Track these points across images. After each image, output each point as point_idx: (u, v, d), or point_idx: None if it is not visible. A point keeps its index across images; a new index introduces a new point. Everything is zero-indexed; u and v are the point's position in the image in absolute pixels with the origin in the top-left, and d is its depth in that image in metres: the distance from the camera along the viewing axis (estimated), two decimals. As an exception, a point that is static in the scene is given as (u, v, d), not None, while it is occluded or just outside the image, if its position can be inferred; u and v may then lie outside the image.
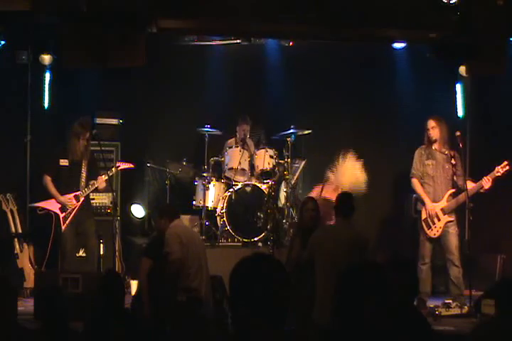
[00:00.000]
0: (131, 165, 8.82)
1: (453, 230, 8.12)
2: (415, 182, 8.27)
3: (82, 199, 8.28)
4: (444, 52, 7.29)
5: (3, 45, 8.69)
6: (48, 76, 9.38)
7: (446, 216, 8.10)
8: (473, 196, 7.99)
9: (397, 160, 9.62)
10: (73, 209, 8.21)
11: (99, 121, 9.41)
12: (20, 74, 9.10)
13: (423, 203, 8.21)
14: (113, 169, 8.46)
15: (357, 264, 3.27)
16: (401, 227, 9.49)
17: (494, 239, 9.42)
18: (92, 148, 8.69)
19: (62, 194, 8.25)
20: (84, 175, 8.31)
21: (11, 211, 8.65)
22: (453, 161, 8.11)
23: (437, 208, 8.13)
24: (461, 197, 8.04)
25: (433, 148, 8.21)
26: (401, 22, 7.20)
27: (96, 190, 8.48)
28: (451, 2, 6.84)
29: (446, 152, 8.17)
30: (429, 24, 7.15)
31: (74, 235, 8.25)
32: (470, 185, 8.00)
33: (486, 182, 7.98)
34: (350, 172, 8.68)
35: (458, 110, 9.34)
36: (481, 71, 7.47)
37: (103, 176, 8.24)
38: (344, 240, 6.13)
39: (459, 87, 9.25)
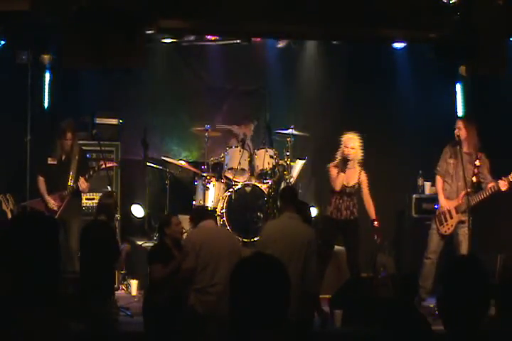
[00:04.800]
0: (115, 164, 8.81)
1: (462, 232, 8.13)
2: (437, 179, 8.36)
3: (67, 198, 8.27)
4: (444, 52, 7.29)
5: (3, 45, 8.68)
6: (47, 76, 9.38)
7: (459, 214, 8.15)
8: (489, 197, 8.06)
9: (397, 160, 9.61)
10: (58, 208, 8.22)
11: (99, 121, 9.41)
12: (20, 74, 9.09)
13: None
14: (95, 168, 8.39)
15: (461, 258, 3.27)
16: (401, 227, 9.48)
17: (494, 239, 9.42)
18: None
19: (50, 192, 8.26)
20: (72, 174, 8.29)
21: (11, 211, 8.63)
22: (477, 163, 8.11)
23: (451, 206, 8.17)
24: (478, 196, 8.11)
25: (458, 147, 8.21)
26: (401, 22, 7.19)
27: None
28: (451, 2, 6.83)
29: (470, 151, 8.18)
30: (429, 24, 7.14)
31: (61, 234, 8.21)
32: (490, 184, 8.07)
33: (503, 185, 8.04)
34: None
35: (458, 110, 9.34)
36: (481, 71, 7.46)
37: (83, 179, 8.22)
38: (295, 236, 6.21)
39: (459, 87, 9.25)
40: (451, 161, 8.24)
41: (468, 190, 8.13)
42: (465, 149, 8.20)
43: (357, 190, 8.21)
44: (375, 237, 8.08)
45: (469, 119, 8.32)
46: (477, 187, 8.16)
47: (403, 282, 5.26)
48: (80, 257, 7.19)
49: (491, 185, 8.08)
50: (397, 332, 3.28)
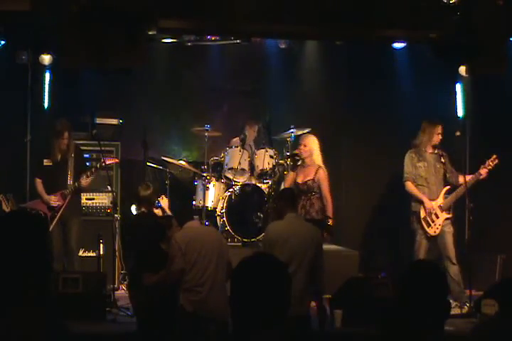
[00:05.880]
0: (116, 160, 8.80)
1: (448, 229, 8.22)
2: (409, 185, 8.36)
3: (68, 197, 8.26)
4: (444, 52, 7.29)
5: (3, 45, 8.69)
6: (47, 76, 9.38)
7: (444, 213, 8.22)
8: (471, 188, 8.12)
9: (397, 160, 9.60)
10: (59, 207, 8.21)
11: (99, 121, 9.41)
12: (20, 74, 9.10)
13: (421, 203, 8.25)
14: (97, 166, 8.37)
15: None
16: (400, 227, 9.47)
17: (494, 239, 9.42)
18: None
19: (49, 193, 8.25)
20: (70, 173, 8.28)
21: (12, 211, 8.63)
22: (443, 160, 8.21)
23: (435, 206, 8.20)
24: (460, 190, 8.18)
25: (423, 149, 8.30)
26: (401, 22, 7.20)
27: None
28: (451, 2, 6.83)
29: (436, 151, 8.30)
30: (430, 24, 7.14)
31: (61, 234, 8.22)
32: (466, 178, 8.09)
33: (483, 174, 8.14)
34: None
35: (458, 110, 9.34)
36: (481, 71, 7.46)
37: (85, 176, 8.22)
38: (305, 235, 6.22)
39: (459, 87, 9.24)
40: (421, 164, 8.31)
41: (448, 187, 8.28)
42: (430, 150, 8.32)
43: (312, 188, 8.19)
44: (325, 235, 7.93)
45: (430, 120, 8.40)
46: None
47: (402, 282, 5.25)
48: (137, 253, 7.20)
49: (469, 177, 8.13)
50: (396, 332, 3.28)
